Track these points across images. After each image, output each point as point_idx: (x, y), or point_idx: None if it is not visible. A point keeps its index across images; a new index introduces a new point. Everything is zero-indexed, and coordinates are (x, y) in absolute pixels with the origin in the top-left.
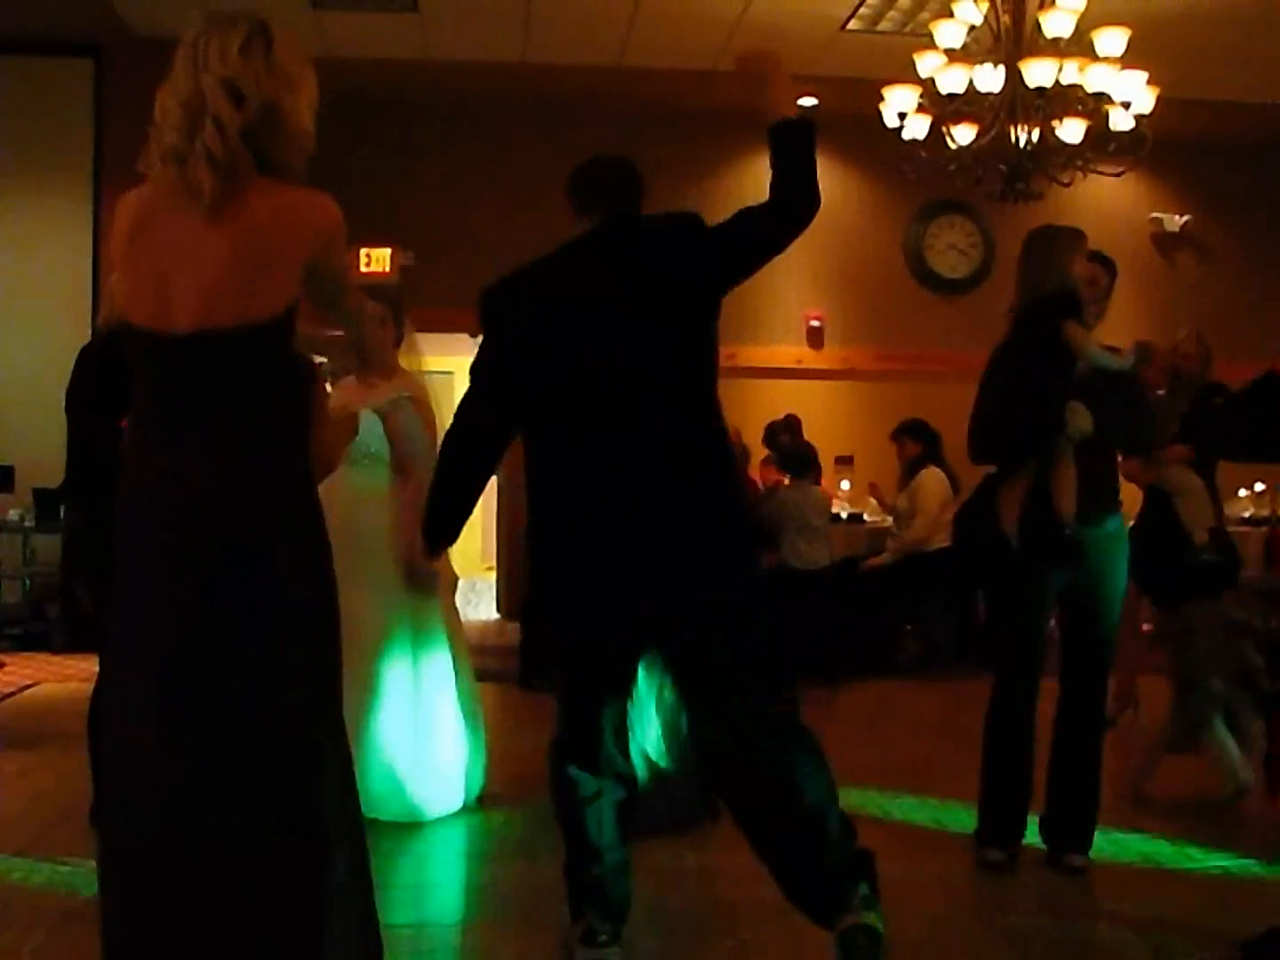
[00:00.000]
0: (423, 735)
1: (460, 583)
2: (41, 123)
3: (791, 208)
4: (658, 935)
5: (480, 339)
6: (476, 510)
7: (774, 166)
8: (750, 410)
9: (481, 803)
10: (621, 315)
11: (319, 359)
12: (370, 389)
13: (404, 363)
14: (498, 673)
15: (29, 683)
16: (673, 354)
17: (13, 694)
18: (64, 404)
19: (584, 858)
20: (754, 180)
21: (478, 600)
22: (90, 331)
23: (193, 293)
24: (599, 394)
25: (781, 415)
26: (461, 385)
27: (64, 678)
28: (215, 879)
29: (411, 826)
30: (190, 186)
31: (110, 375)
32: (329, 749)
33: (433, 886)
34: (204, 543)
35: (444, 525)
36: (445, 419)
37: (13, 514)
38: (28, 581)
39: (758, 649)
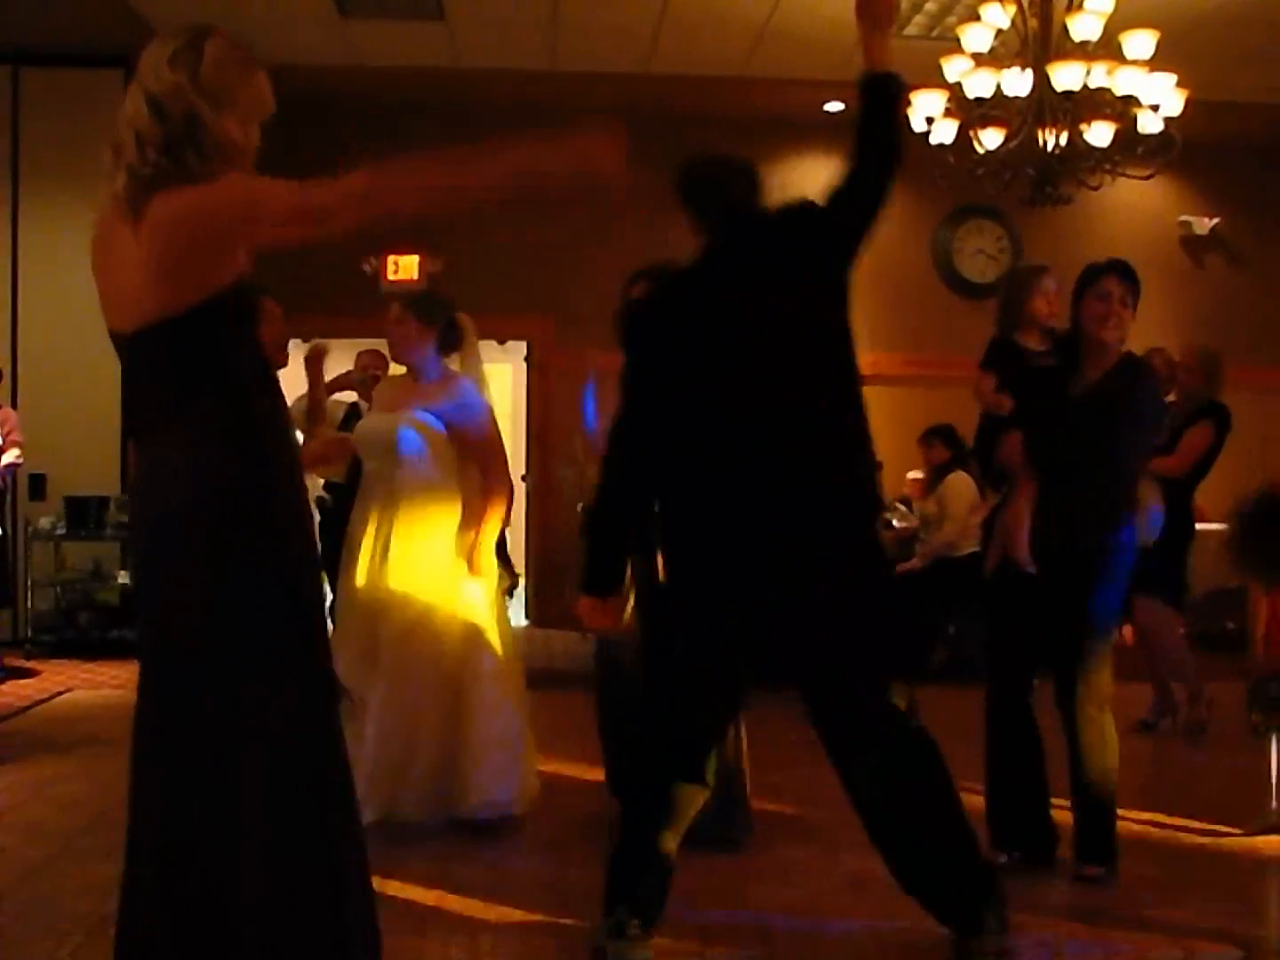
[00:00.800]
0: (465, 737)
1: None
2: (72, 134)
3: (864, 168)
4: (686, 938)
5: (624, 359)
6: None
7: (856, 123)
8: None
9: (514, 804)
10: (765, 319)
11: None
12: (420, 391)
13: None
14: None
15: (61, 689)
16: (817, 351)
17: (45, 700)
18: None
19: (639, 855)
20: (782, 186)
21: (508, 607)
22: None
23: (124, 295)
24: (750, 398)
25: None
26: (492, 391)
27: (96, 684)
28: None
29: (443, 826)
30: (115, 196)
31: None
32: (260, 758)
33: (458, 886)
34: (140, 537)
35: (611, 548)
36: None
37: (44, 521)
38: (59, 589)
39: (880, 646)
